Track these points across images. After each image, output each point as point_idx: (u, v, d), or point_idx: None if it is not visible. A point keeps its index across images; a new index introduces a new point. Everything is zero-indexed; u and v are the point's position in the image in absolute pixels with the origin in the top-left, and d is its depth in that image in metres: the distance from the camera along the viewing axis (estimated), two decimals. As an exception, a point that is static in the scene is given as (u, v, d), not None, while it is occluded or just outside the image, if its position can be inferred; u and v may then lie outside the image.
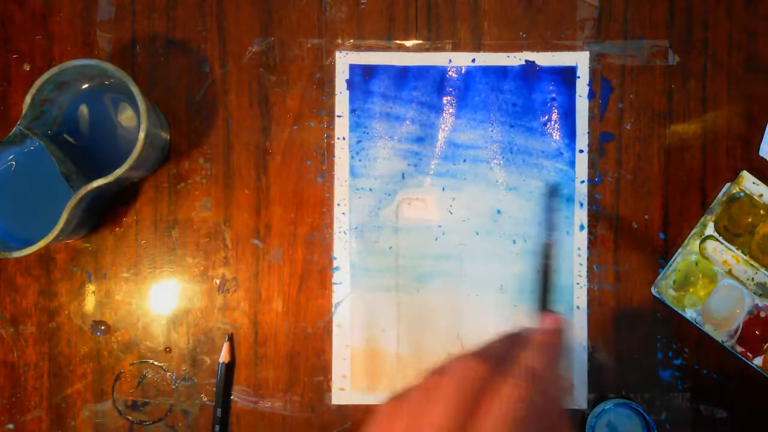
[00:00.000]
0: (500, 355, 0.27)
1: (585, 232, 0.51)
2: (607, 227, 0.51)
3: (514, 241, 0.51)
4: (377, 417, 0.26)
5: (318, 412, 0.51)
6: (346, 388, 0.51)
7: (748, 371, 0.50)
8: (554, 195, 0.37)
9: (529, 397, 0.25)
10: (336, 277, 0.51)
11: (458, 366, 0.26)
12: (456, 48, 0.52)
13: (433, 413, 0.24)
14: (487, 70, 0.52)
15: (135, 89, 0.46)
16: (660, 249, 0.51)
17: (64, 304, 0.52)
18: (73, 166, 0.49)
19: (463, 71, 0.52)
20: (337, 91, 0.52)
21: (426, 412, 0.25)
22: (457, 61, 0.52)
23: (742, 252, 0.49)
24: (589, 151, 0.51)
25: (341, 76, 0.52)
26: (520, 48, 0.52)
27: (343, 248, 0.51)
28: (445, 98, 0.52)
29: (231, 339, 0.51)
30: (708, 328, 0.49)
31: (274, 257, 0.52)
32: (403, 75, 0.52)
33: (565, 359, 0.29)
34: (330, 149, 0.52)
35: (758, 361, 0.49)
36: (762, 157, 0.50)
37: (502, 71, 0.52)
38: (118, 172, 0.45)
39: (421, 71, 0.52)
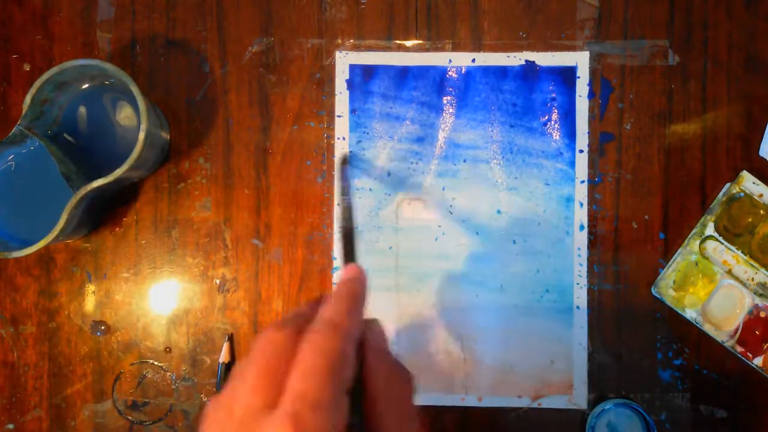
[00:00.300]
0: (302, 317, 0.27)
1: (585, 232, 0.51)
2: (607, 227, 0.51)
3: (514, 241, 0.51)
4: (204, 420, 0.26)
5: (318, 412, 0.51)
6: (346, 388, 0.51)
7: (748, 371, 0.49)
8: (345, 163, 0.39)
9: (332, 346, 0.24)
10: (336, 277, 0.51)
11: (258, 341, 0.26)
12: (456, 48, 0.52)
13: (241, 394, 0.24)
14: (487, 70, 0.52)
15: (135, 89, 0.46)
16: (660, 249, 0.51)
17: (64, 304, 0.52)
18: (73, 166, 0.49)
19: (463, 71, 0.52)
20: (337, 91, 0.52)
21: (236, 396, 0.24)
22: (457, 61, 0.52)
23: (742, 252, 0.49)
24: (589, 151, 0.51)
25: (341, 76, 0.52)
26: (520, 48, 0.52)
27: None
28: (445, 98, 0.52)
29: (231, 339, 0.51)
30: (708, 328, 0.49)
31: (274, 257, 0.52)
32: (403, 75, 0.52)
33: (365, 303, 0.28)
34: (330, 149, 0.52)
35: (758, 361, 0.49)
36: (762, 157, 0.50)
37: (502, 71, 0.52)
38: (118, 172, 0.45)
39: (421, 71, 0.52)
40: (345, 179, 0.37)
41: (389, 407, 0.26)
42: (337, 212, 0.50)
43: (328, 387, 0.23)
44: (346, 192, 0.35)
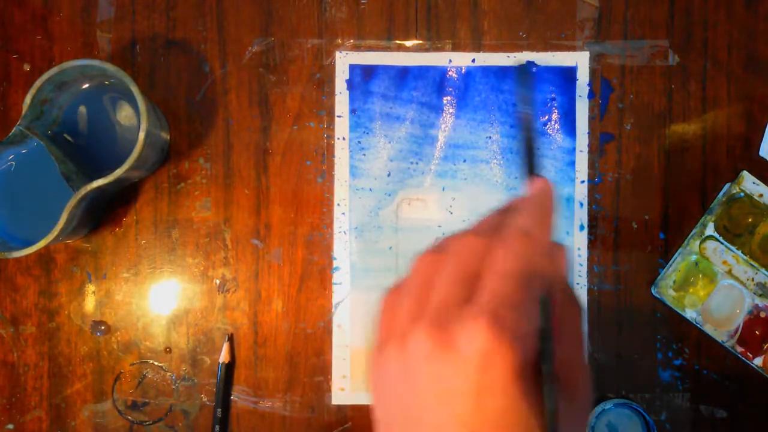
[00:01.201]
0: (494, 225, 0.27)
1: (585, 232, 0.51)
2: (607, 227, 0.51)
3: (514, 241, 0.51)
4: (380, 310, 0.26)
5: (318, 413, 0.51)
6: (346, 389, 0.51)
7: (748, 371, 0.50)
8: (525, 71, 0.39)
9: (525, 252, 0.25)
10: (336, 277, 0.51)
11: (455, 244, 0.26)
12: (456, 48, 0.52)
13: (435, 291, 0.24)
14: (487, 70, 0.52)
15: (135, 89, 0.46)
16: (660, 249, 0.51)
17: (64, 304, 0.52)
18: (73, 166, 0.49)
19: (463, 71, 0.52)
20: (337, 91, 0.52)
21: (427, 291, 0.25)
22: (457, 61, 0.52)
23: (742, 252, 0.49)
24: (589, 151, 0.51)
25: (341, 76, 0.52)
26: (520, 48, 0.52)
27: (343, 248, 0.51)
28: (445, 98, 0.52)
29: (231, 339, 0.51)
30: (708, 328, 0.49)
31: (274, 257, 0.52)
32: (403, 75, 0.52)
33: (555, 222, 0.29)
34: (330, 149, 0.52)
35: (758, 361, 0.49)
36: (762, 157, 0.50)
37: (502, 71, 0.52)
38: (118, 172, 0.45)
39: (421, 71, 0.52)
40: (524, 89, 0.36)
41: (565, 328, 0.27)
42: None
43: (522, 290, 0.24)
44: (528, 102, 0.34)
